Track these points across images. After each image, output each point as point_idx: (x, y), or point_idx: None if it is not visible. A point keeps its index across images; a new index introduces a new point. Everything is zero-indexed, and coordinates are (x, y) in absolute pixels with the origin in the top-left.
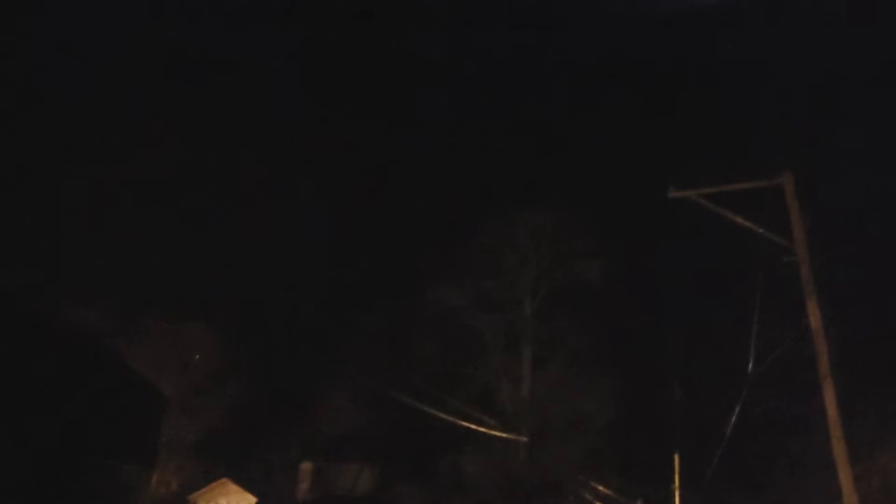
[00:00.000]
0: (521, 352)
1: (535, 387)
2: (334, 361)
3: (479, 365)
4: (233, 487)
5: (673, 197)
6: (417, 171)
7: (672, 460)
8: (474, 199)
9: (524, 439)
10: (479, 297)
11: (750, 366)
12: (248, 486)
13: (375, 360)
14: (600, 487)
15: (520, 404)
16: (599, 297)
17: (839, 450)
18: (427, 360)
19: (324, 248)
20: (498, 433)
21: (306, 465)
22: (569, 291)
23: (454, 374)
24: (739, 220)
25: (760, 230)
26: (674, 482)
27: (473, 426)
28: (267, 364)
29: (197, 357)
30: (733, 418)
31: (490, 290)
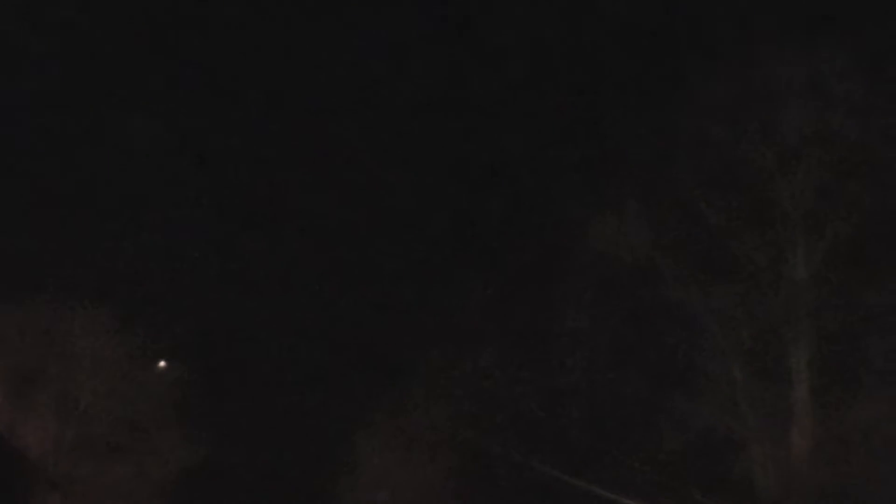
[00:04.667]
0: (788, 366)
1: (820, 440)
2: (386, 374)
3: (697, 394)
4: None
5: None
6: None
7: None
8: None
9: None
10: (690, 251)
11: None
12: None
13: (471, 380)
14: None
15: (789, 476)
16: None
17: None
18: (587, 383)
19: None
20: None
21: None
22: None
23: (647, 412)
24: None
25: None
26: None
27: None
28: (252, 388)
29: (162, 364)
30: None
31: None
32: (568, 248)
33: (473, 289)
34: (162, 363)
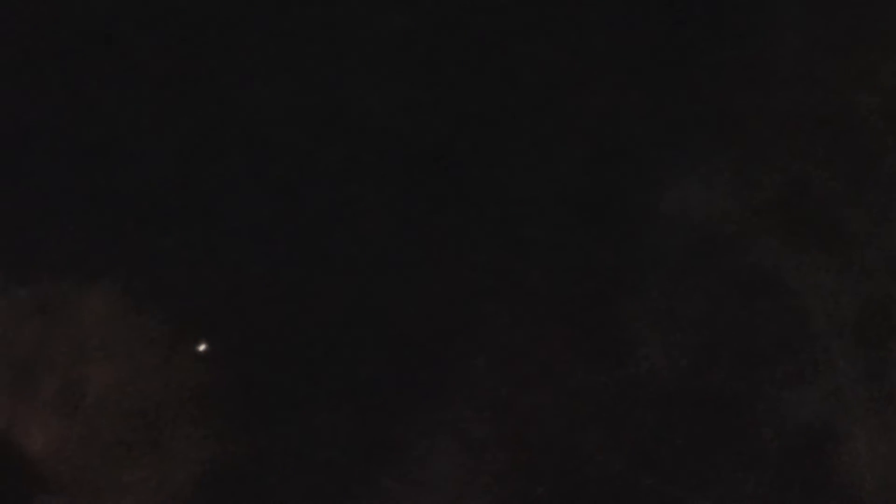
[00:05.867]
0: None
1: None
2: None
3: (792, 381)
4: None
5: None
6: None
7: None
8: None
9: None
10: (782, 213)
11: None
12: None
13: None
14: None
15: None
16: None
17: None
18: (661, 370)
19: None
20: None
21: None
22: None
23: (730, 403)
24: None
25: None
26: None
27: None
28: (290, 378)
29: (202, 349)
30: None
31: (812, 197)
32: (640, 213)
33: (525, 263)
34: (202, 347)
